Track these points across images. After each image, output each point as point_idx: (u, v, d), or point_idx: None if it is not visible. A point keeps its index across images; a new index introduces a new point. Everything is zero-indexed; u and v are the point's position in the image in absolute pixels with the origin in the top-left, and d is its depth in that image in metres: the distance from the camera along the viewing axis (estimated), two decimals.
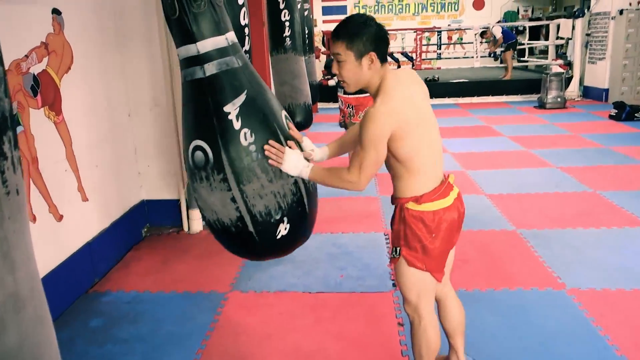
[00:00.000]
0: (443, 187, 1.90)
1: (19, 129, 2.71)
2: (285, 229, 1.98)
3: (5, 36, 2.62)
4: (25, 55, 2.79)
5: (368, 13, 17.38)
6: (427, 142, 1.85)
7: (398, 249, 1.94)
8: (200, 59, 1.85)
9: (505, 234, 3.89)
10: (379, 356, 2.48)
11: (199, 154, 1.87)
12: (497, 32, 11.56)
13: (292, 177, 1.95)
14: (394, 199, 1.96)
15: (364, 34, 1.77)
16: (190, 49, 1.85)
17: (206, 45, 1.84)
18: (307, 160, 1.98)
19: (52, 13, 3.02)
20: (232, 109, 1.84)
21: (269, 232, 1.96)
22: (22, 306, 0.98)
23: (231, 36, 1.94)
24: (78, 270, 3.16)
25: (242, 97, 1.87)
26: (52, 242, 2.96)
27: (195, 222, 4.07)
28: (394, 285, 3.12)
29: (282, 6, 4.73)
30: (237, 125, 1.85)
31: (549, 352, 2.45)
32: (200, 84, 1.86)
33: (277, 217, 1.94)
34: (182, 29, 1.85)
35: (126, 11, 3.75)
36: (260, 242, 1.98)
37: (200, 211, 2.11)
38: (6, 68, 2.65)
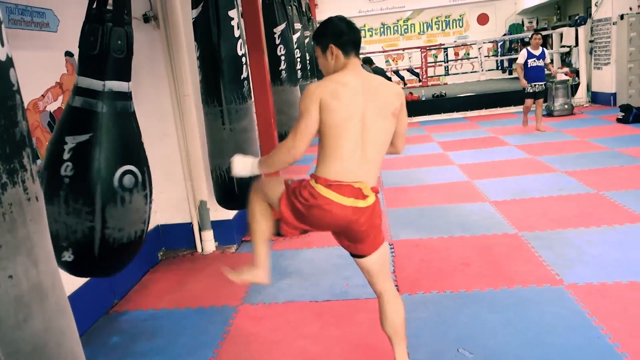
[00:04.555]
0: (346, 186, 2.00)
1: (38, 162, 2.94)
2: (70, 257, 2.18)
3: (24, 79, 2.87)
4: (42, 95, 3.04)
5: (374, 35, 17.79)
6: (353, 139, 1.99)
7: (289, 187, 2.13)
8: (129, 96, 2.17)
9: (507, 237, 3.99)
10: (380, 357, 2.60)
11: (130, 177, 2.13)
12: (521, 57, 8.52)
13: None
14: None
15: (324, 31, 2.10)
16: (123, 86, 2.14)
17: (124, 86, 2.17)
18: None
19: (65, 55, 3.28)
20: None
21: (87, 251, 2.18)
22: (45, 296, 1.15)
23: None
24: (98, 292, 3.35)
25: None
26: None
27: (207, 243, 4.26)
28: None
29: (278, 41, 5.03)
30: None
31: (544, 344, 2.55)
32: (131, 116, 2.18)
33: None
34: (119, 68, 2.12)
35: (135, 48, 4.01)
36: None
37: (106, 230, 2.15)
38: (25, 107, 2.91)
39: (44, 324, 1.15)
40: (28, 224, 1.12)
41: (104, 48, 2.05)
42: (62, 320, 1.23)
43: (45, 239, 1.20)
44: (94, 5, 2.07)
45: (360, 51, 2.18)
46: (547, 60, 8.53)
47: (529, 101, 8.56)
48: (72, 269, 2.19)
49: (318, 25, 2.19)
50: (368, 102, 2.01)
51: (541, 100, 8.53)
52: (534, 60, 8.34)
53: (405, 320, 2.25)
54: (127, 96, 2.15)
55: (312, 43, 2.19)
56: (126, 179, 2.11)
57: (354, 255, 2.22)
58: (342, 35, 2.06)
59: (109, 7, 2.05)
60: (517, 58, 9.14)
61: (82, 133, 2.05)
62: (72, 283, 3.11)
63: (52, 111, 3.11)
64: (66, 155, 2.04)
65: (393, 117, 2.09)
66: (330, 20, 2.13)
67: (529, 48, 8.44)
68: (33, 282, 1.12)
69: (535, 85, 8.40)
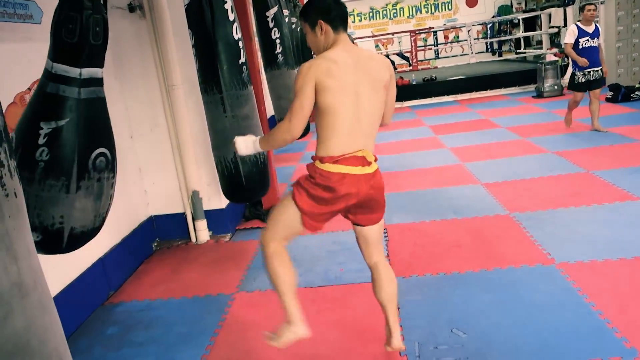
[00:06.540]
0: (350, 157, 2.04)
1: None
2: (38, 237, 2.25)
3: (9, 72, 2.85)
4: (28, 88, 3.01)
5: (363, 20, 17.69)
6: (349, 114, 2.02)
7: (292, 186, 2.18)
8: (102, 82, 2.16)
9: (498, 218, 4.02)
10: (376, 339, 2.63)
11: (102, 159, 2.18)
12: (569, 35, 6.33)
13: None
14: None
15: (313, 8, 2.12)
16: (97, 72, 2.14)
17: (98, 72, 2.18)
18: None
19: None
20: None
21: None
22: (27, 294, 1.13)
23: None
24: (93, 284, 3.36)
25: None
26: (66, 259, 3.15)
27: (201, 232, 4.26)
28: None
29: (271, 25, 4.97)
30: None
31: (536, 322, 2.58)
32: (102, 101, 2.19)
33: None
34: (95, 55, 2.11)
35: (122, 38, 3.98)
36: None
37: (65, 218, 2.17)
38: (11, 101, 2.89)
39: (26, 322, 1.12)
40: (6, 220, 1.09)
41: (83, 36, 2.01)
42: (45, 318, 1.20)
43: (25, 235, 1.16)
44: None
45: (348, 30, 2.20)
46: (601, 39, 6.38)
47: (578, 94, 6.43)
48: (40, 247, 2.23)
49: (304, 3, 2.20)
50: (361, 76, 2.05)
51: (598, 91, 6.37)
52: (587, 40, 6.21)
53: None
54: (100, 82, 2.16)
55: (300, 21, 2.19)
56: (99, 161, 2.15)
57: (361, 225, 2.27)
58: (330, 10, 2.09)
59: None
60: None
61: (59, 119, 2.03)
62: (66, 275, 3.12)
63: None
64: (41, 141, 2.02)
65: (384, 90, 2.14)
66: None
67: (579, 24, 6.32)
68: (13, 279, 1.09)
69: (589, 72, 6.26)
